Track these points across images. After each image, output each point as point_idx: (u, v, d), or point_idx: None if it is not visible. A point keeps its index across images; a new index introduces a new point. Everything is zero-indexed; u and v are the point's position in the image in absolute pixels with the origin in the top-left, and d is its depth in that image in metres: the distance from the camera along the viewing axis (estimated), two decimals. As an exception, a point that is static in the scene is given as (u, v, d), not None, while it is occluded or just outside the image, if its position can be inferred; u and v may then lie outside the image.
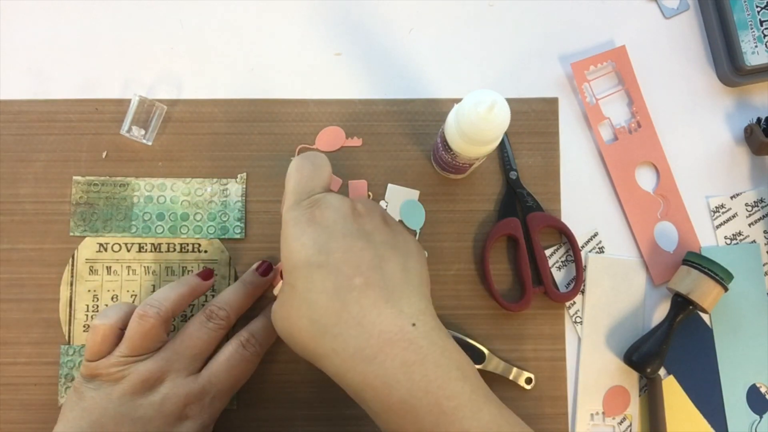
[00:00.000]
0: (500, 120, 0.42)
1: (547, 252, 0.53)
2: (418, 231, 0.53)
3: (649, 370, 0.50)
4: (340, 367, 0.36)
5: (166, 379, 0.42)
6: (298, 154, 0.53)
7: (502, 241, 0.53)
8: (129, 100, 0.52)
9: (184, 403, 0.42)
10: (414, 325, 0.37)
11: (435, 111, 0.54)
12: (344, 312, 0.36)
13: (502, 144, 0.53)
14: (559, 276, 0.53)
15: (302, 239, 0.38)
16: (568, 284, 0.53)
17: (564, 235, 0.53)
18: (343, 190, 0.53)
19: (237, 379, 0.45)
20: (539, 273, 0.52)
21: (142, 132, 0.52)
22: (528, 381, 0.51)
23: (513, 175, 0.53)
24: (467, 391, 0.36)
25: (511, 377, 0.51)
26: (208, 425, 0.44)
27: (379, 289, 0.37)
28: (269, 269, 0.50)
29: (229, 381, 0.45)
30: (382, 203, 0.53)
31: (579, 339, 0.53)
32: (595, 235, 0.53)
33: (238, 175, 0.53)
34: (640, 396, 0.52)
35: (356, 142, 0.54)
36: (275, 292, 0.51)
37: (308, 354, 0.39)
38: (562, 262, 0.53)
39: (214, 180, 0.53)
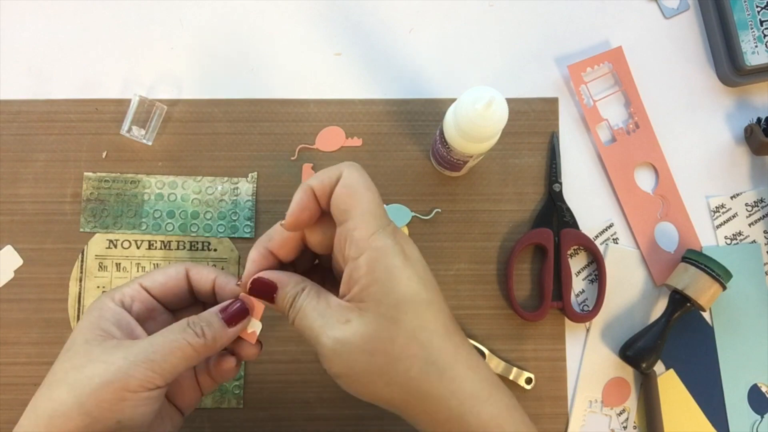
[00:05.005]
0: (498, 117, 0.41)
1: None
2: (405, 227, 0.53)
3: (644, 365, 0.50)
4: (457, 409, 0.36)
5: None
6: (298, 154, 0.53)
7: (529, 249, 0.53)
8: (129, 100, 0.52)
9: None
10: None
11: (435, 111, 0.54)
12: (457, 354, 0.36)
13: (552, 154, 0.53)
14: (581, 296, 0.53)
15: (407, 272, 0.35)
16: (585, 305, 0.53)
17: (593, 257, 0.53)
18: (343, 190, 0.53)
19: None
20: (561, 289, 0.51)
21: (142, 132, 0.52)
22: (528, 381, 0.51)
23: (557, 187, 0.53)
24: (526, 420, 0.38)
25: (511, 377, 0.51)
26: None
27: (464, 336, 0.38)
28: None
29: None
30: None
31: (587, 330, 0.53)
32: (596, 237, 0.53)
33: (249, 174, 0.53)
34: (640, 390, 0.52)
35: (356, 142, 0.54)
36: (252, 329, 0.39)
37: (411, 394, 0.36)
38: (584, 281, 0.53)
39: (225, 179, 0.53)
